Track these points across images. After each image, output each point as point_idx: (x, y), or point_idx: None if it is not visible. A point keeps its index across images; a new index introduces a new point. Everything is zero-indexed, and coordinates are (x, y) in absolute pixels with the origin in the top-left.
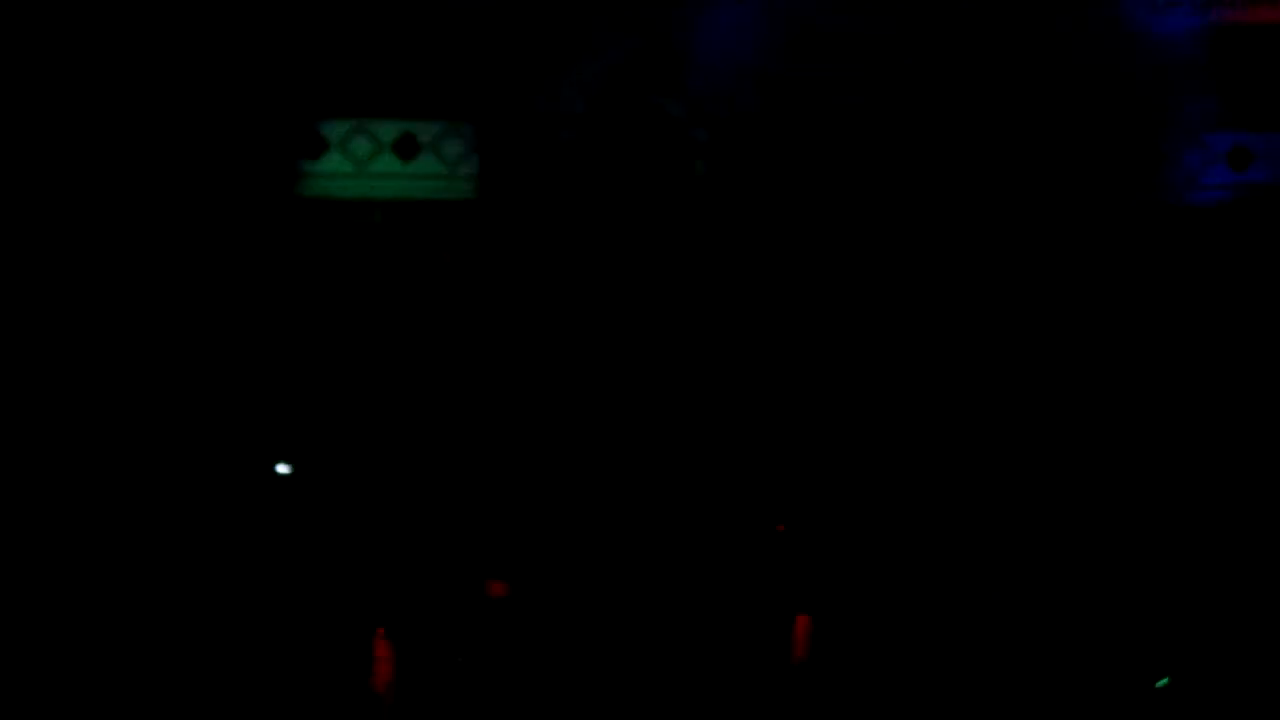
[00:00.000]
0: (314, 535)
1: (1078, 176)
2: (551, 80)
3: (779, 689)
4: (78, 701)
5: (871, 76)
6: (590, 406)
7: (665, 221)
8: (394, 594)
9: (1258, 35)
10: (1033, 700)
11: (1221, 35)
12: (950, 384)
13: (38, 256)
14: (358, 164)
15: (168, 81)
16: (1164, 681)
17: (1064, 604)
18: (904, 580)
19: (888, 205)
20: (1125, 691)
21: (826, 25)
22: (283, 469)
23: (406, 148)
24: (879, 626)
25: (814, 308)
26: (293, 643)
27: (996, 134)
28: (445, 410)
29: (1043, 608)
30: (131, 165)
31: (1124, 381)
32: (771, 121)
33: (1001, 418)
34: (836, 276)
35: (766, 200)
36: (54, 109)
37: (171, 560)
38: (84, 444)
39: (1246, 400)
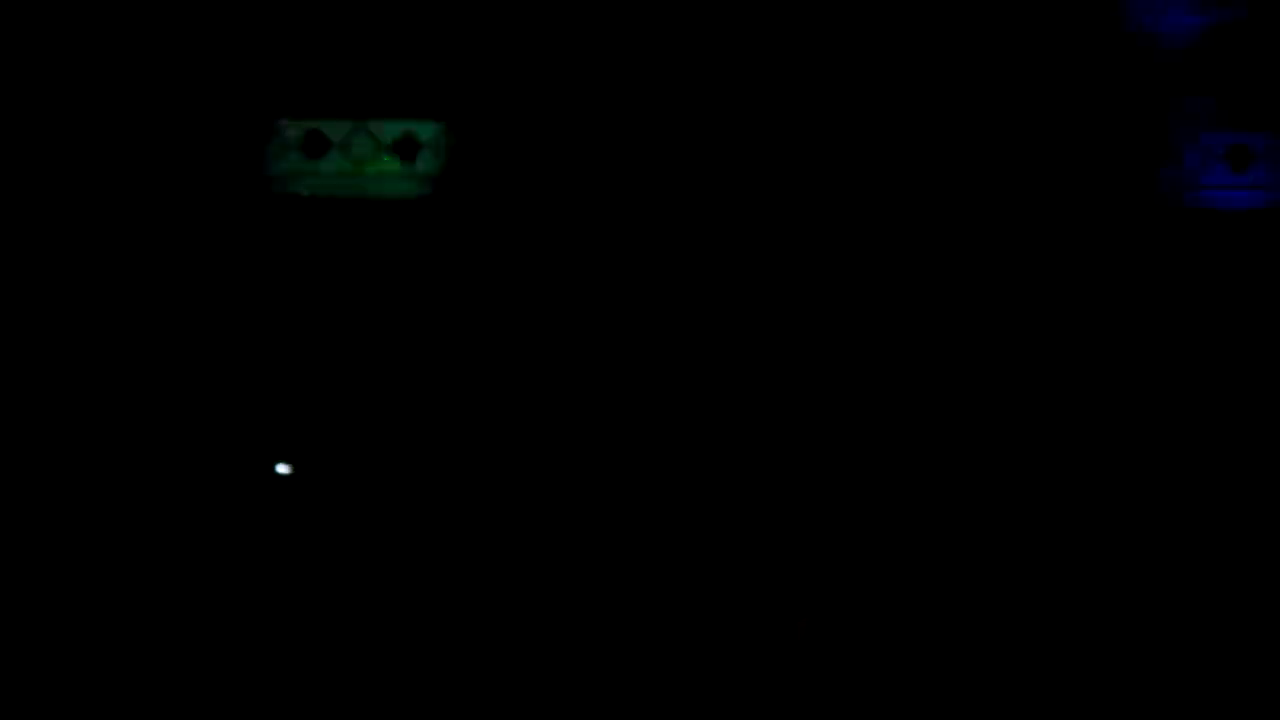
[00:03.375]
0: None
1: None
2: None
3: (779, 689)
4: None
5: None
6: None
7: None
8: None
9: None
10: (1032, 700)
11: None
12: (948, 384)
13: (19, 255)
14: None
15: (153, 79)
16: (1160, 679)
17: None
18: (903, 580)
19: (883, 204)
20: (1125, 691)
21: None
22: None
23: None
24: (878, 626)
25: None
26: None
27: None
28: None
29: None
30: (117, 158)
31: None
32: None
33: (999, 418)
34: (833, 271)
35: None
36: (34, 109)
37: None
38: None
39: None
